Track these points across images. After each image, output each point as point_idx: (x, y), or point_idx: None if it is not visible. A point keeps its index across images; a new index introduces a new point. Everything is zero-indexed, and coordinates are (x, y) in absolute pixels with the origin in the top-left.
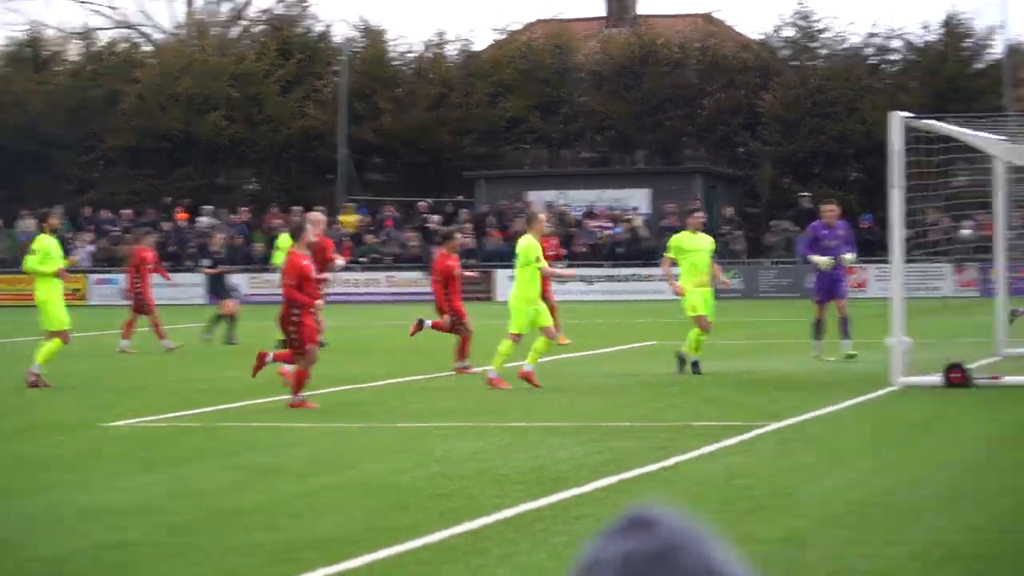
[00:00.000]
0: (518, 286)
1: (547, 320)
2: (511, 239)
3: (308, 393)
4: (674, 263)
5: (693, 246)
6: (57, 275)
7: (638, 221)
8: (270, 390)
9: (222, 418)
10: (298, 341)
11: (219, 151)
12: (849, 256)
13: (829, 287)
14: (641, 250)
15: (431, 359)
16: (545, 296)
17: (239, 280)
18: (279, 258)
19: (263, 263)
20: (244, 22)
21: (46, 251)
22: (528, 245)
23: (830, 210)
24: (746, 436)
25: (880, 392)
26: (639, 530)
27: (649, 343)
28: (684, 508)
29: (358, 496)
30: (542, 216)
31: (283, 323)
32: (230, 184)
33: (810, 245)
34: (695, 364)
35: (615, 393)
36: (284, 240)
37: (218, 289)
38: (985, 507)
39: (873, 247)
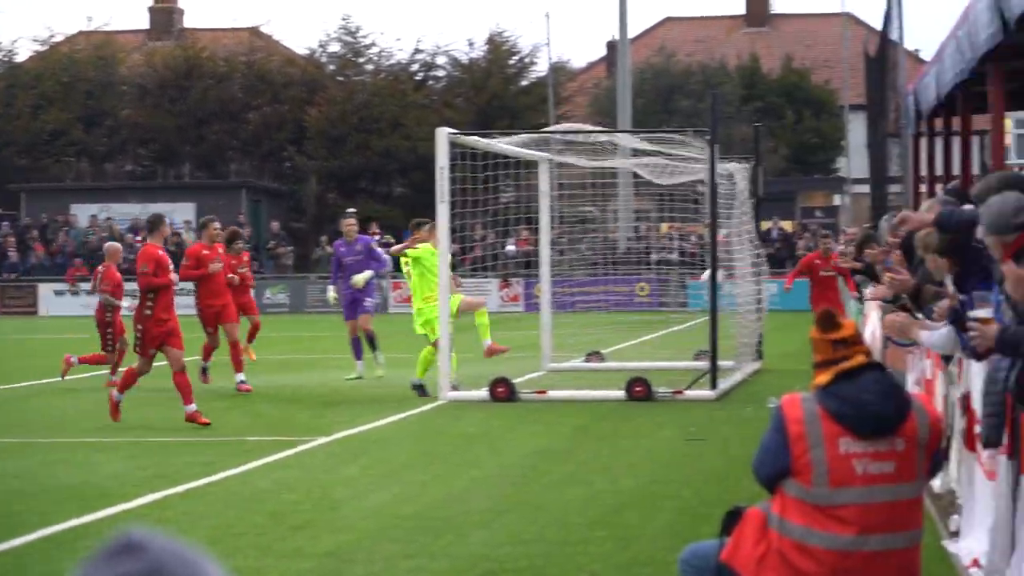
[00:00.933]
0: (425, 291)
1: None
2: (54, 254)
3: None
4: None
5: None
6: None
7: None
8: None
9: None
10: (141, 341)
11: None
12: (358, 277)
13: (351, 305)
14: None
15: None
16: (250, 312)
17: None
18: None
19: None
20: None
21: None
22: (427, 251)
23: (349, 224)
24: (295, 451)
25: (427, 407)
26: (128, 554)
27: (193, 358)
28: (174, 532)
29: None
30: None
31: (135, 319)
32: None
33: (337, 265)
34: (421, 387)
35: (163, 407)
36: None
37: None
38: (531, 520)
39: None
